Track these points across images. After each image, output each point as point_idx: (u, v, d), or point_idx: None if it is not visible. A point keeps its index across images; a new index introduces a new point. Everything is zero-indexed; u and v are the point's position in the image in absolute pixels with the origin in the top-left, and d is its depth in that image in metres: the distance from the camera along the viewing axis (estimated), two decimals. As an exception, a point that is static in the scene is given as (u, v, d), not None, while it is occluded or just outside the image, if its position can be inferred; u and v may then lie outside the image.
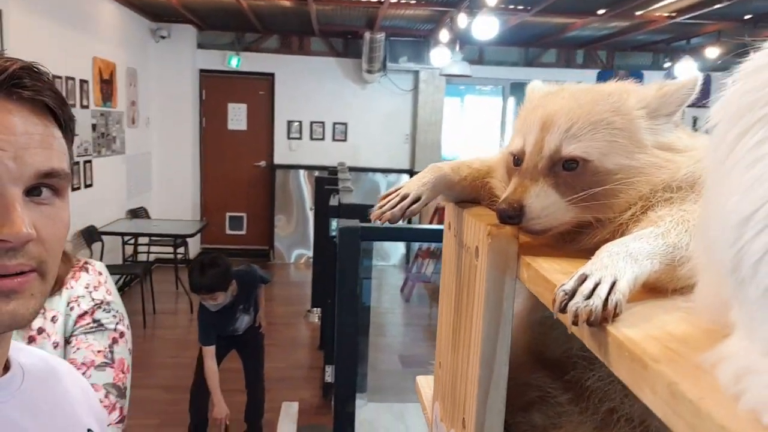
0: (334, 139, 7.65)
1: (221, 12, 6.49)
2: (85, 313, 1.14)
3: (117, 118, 6.21)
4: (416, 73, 7.60)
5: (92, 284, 1.17)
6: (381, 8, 5.79)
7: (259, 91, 7.63)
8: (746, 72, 0.35)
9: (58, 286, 1.12)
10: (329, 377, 4.22)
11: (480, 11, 5.22)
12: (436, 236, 1.87)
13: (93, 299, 1.16)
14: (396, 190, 0.74)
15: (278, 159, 7.65)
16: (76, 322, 1.14)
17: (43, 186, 0.64)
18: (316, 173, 7.22)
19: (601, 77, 7.69)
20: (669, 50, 7.74)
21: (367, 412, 3.35)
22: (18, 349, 0.77)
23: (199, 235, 6.64)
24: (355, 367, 3.10)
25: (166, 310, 5.83)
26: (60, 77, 4.89)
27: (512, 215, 0.62)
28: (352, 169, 6.89)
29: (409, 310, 6.20)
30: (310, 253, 6.95)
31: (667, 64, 7.81)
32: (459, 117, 8.95)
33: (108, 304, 1.17)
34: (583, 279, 0.47)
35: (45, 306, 1.07)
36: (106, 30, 5.92)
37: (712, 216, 0.35)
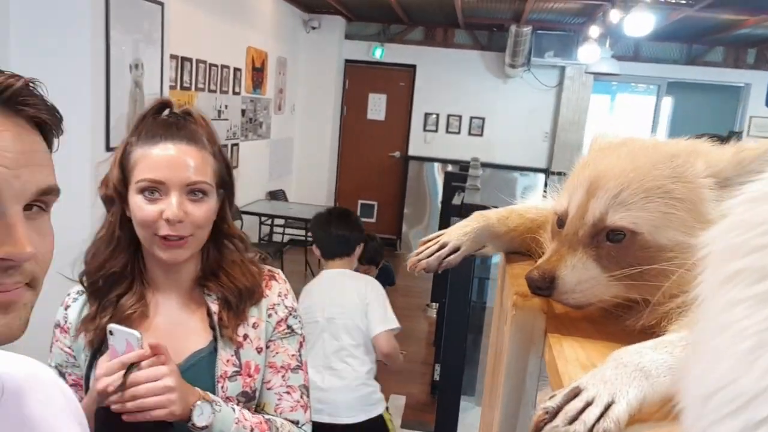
0: (470, 134, 7.55)
1: (370, 3, 6.62)
2: (282, 319, 1.24)
3: (265, 104, 6.57)
4: (562, 68, 7.26)
5: (282, 292, 1.26)
6: (529, 0, 5.58)
7: (400, 82, 7.71)
8: (744, 199, 0.27)
9: (258, 295, 1.22)
10: (437, 375, 4.21)
11: (636, 6, 4.86)
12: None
13: (285, 306, 1.26)
14: (436, 237, 0.70)
15: (413, 150, 7.70)
16: (274, 328, 1.23)
17: (37, 203, 0.65)
18: (449, 167, 7.18)
19: (776, 80, 6.86)
20: None
21: (473, 417, 3.28)
22: None
23: (331, 220, 6.88)
24: (460, 370, 3.05)
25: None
26: (216, 65, 5.27)
27: (542, 287, 0.55)
28: (485, 165, 6.76)
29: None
30: (437, 247, 6.94)
31: None
32: (607, 116, 8.45)
33: (295, 310, 1.27)
34: (575, 394, 0.40)
35: (247, 314, 1.19)
36: (261, 21, 6.27)
37: (685, 376, 0.28)
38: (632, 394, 0.40)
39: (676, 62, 7.32)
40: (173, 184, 1.11)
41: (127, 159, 1.15)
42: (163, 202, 1.11)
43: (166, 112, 1.20)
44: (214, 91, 5.41)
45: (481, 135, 7.52)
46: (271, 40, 6.52)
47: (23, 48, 3.05)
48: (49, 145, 0.68)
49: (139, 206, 1.12)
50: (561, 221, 0.59)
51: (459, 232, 0.69)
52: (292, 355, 1.25)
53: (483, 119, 7.49)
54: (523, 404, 0.57)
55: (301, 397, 1.24)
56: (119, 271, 1.17)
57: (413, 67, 7.59)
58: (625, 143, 0.61)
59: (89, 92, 3.19)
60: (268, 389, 1.22)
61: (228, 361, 1.16)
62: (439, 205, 7.58)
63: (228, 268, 1.21)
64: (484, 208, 3.04)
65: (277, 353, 1.23)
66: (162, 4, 3.94)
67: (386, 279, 3.53)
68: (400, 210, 7.80)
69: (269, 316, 1.24)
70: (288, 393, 1.23)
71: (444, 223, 5.51)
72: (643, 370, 0.41)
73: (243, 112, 6.06)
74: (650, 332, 0.54)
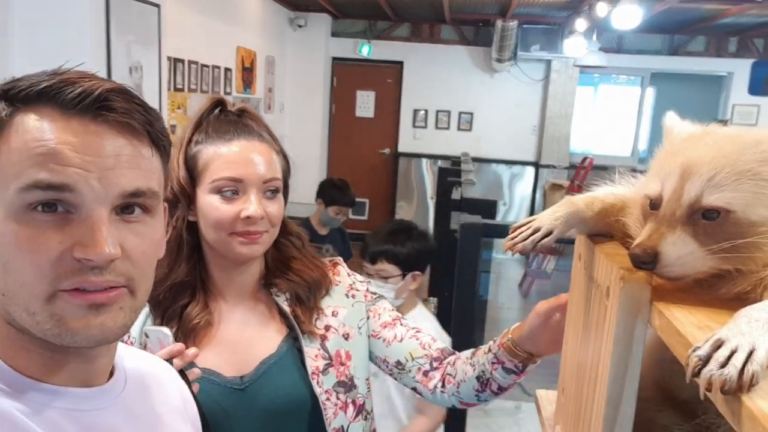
0: (459, 129, 7.64)
1: (356, 0, 6.66)
2: (365, 291, 1.27)
3: (255, 104, 6.58)
4: (548, 62, 7.37)
5: (350, 272, 1.29)
6: (515, -4, 5.67)
7: (388, 79, 7.77)
8: None
9: (327, 284, 1.22)
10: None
11: (621, -1, 4.97)
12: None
13: (360, 281, 1.28)
14: (528, 222, 0.76)
15: (402, 147, 7.77)
16: (365, 299, 1.25)
17: (135, 205, 0.65)
18: (439, 163, 7.26)
19: (757, 69, 7.05)
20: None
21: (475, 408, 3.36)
22: (124, 353, 0.77)
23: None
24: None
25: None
26: (207, 66, 5.28)
27: (646, 261, 0.62)
28: (475, 159, 6.86)
29: (526, 306, 6.09)
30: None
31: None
32: (591, 107, 8.59)
33: (369, 281, 1.30)
34: (719, 344, 0.47)
35: (320, 306, 1.18)
36: (249, 20, 6.28)
37: None
38: None
39: (659, 53, 7.48)
40: (251, 182, 1.08)
41: (194, 159, 1.12)
42: (241, 201, 1.08)
43: (218, 110, 1.17)
44: (206, 92, 5.42)
45: (470, 130, 7.61)
46: (260, 39, 6.54)
47: (25, 49, 3.04)
48: (156, 147, 0.68)
49: (215, 206, 1.08)
50: (654, 204, 0.66)
51: (551, 217, 0.75)
52: (392, 309, 1.26)
53: (471, 114, 7.58)
54: (630, 367, 0.64)
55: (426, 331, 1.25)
56: (184, 280, 1.14)
57: (400, 63, 7.65)
58: (707, 133, 0.67)
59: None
60: (400, 341, 1.21)
61: (317, 356, 1.15)
62: (429, 201, 7.68)
63: (291, 263, 1.20)
64: (485, 201, 3.09)
65: (380, 314, 1.24)
66: (158, 6, 3.95)
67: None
68: (392, 206, 7.87)
69: (352, 296, 1.24)
70: (417, 331, 1.23)
71: (440, 217, 5.58)
72: None
73: (235, 112, 6.07)
74: (744, 298, 0.61)
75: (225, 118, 1.15)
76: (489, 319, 4.58)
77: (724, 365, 0.45)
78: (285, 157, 1.20)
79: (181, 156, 1.14)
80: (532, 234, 0.74)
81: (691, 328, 0.55)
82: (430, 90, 7.58)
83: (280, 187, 1.14)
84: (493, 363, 1.10)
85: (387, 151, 7.87)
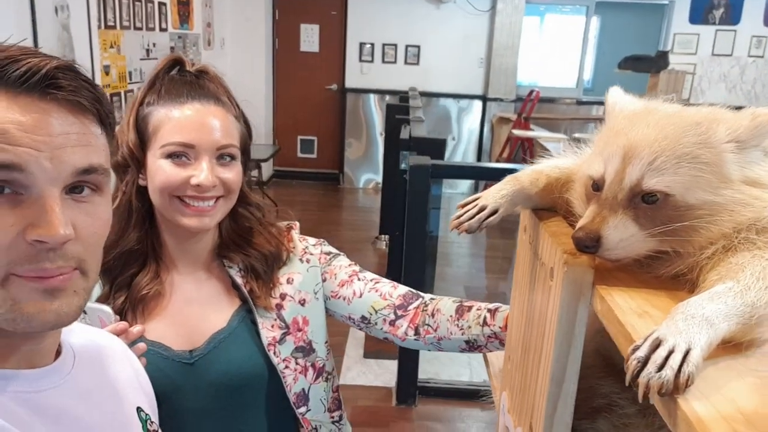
0: (406, 63, 7.51)
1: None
2: (319, 254, 1.23)
3: (194, 40, 6.29)
4: (494, -8, 7.26)
5: (301, 238, 1.25)
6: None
7: (332, 11, 7.51)
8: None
9: (285, 256, 1.20)
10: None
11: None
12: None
13: (313, 245, 1.25)
14: (474, 201, 0.76)
15: (349, 83, 7.61)
16: (319, 262, 1.22)
17: (84, 183, 0.65)
18: (387, 98, 7.17)
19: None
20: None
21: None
22: (69, 330, 0.77)
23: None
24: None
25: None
26: (139, 0, 4.97)
27: (589, 245, 0.63)
28: (423, 94, 6.80)
29: (475, 240, 6.24)
30: (379, 179, 7.02)
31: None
32: (537, 39, 8.56)
33: (322, 242, 1.27)
34: (657, 344, 0.49)
35: (278, 275, 1.15)
36: (181, -50, 5.90)
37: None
38: (703, 341, 0.49)
39: (603, -19, 7.45)
40: (204, 148, 1.03)
41: (145, 121, 1.05)
42: (192, 167, 1.04)
43: (176, 70, 1.11)
44: (140, 29, 5.14)
45: (417, 64, 7.49)
46: (195, -29, 6.18)
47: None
48: (103, 125, 0.68)
49: (163, 170, 1.03)
50: (596, 185, 0.67)
51: (496, 195, 0.75)
52: (349, 265, 1.24)
53: (418, 47, 7.45)
54: (573, 346, 0.66)
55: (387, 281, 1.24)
56: (135, 248, 1.10)
57: (345, -6, 7.39)
58: (649, 111, 0.68)
59: (15, 39, 2.98)
60: (360, 296, 1.20)
61: (273, 326, 1.14)
62: (378, 137, 7.63)
63: (248, 236, 1.16)
64: (434, 140, 3.08)
65: (336, 274, 1.22)
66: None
67: None
68: (341, 144, 7.78)
69: (307, 261, 1.21)
70: (376, 282, 1.23)
71: (389, 155, 5.56)
72: (708, 319, 0.50)
73: (172, 49, 5.78)
74: (682, 278, 0.64)
75: (181, 79, 1.09)
76: (440, 255, 4.68)
77: (661, 367, 0.46)
78: (246, 123, 1.14)
79: (131, 117, 1.08)
80: (477, 212, 0.74)
81: (631, 315, 0.57)
82: (376, 22, 7.38)
83: (236, 154, 1.09)
84: (489, 337, 1.12)
85: (334, 86, 7.70)
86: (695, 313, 0.51)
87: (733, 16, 7.09)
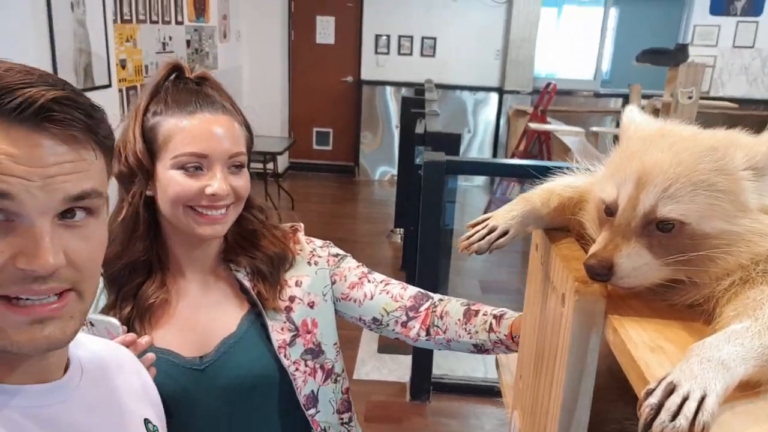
0: (422, 55, 7.46)
1: None
2: (327, 255, 1.24)
3: (209, 33, 6.30)
4: (511, -17, 7.17)
5: (308, 239, 1.26)
6: None
7: (348, 3, 7.47)
8: None
9: (291, 258, 1.20)
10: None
11: None
12: (523, 172, 1.83)
13: (320, 247, 1.26)
14: (484, 221, 0.75)
15: (365, 74, 7.58)
16: (328, 264, 1.23)
17: (77, 208, 0.65)
18: (403, 90, 7.13)
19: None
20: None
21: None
22: (77, 343, 0.77)
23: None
24: (434, 291, 3.21)
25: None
26: (156, -6, 4.98)
27: (601, 273, 0.62)
28: (439, 86, 6.75)
29: (491, 233, 6.19)
30: (395, 171, 7.00)
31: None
32: (555, 30, 8.45)
33: (329, 243, 1.28)
34: (671, 390, 0.47)
35: (284, 279, 1.17)
36: (197, -57, 5.90)
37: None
38: (719, 386, 0.47)
39: (623, -28, 7.32)
40: (216, 158, 1.04)
41: (153, 131, 1.06)
42: (206, 177, 1.04)
43: (175, 76, 1.11)
44: (156, 22, 5.15)
45: (433, 56, 7.44)
46: (211, -37, 6.18)
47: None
48: (101, 147, 0.67)
49: (177, 181, 1.04)
50: (609, 210, 0.65)
51: (506, 216, 0.74)
52: (357, 267, 1.26)
53: (435, 39, 7.39)
54: (585, 375, 0.65)
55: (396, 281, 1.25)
56: (141, 258, 1.10)
57: (361, -15, 7.34)
58: (664, 134, 0.66)
59: (33, 37, 3.00)
60: (371, 298, 1.21)
61: (282, 328, 1.14)
62: (394, 130, 7.60)
63: (253, 238, 1.17)
64: (449, 135, 3.05)
65: (345, 276, 1.23)
66: (96, -67, 3.66)
67: None
68: (356, 136, 7.77)
69: (315, 263, 1.22)
70: (387, 284, 1.24)
71: (404, 147, 5.54)
72: (724, 363, 0.49)
73: (188, 42, 5.80)
74: (698, 308, 0.62)
75: (185, 87, 1.10)
76: (455, 248, 4.67)
77: (675, 415, 0.45)
78: (248, 128, 1.15)
79: (137, 127, 1.08)
80: (488, 233, 0.73)
81: (644, 350, 0.55)
82: (392, 14, 7.33)
83: (245, 162, 1.10)
84: (496, 343, 1.13)
85: (350, 78, 7.67)
86: (711, 356, 0.49)
87: (756, 7, 6.94)
